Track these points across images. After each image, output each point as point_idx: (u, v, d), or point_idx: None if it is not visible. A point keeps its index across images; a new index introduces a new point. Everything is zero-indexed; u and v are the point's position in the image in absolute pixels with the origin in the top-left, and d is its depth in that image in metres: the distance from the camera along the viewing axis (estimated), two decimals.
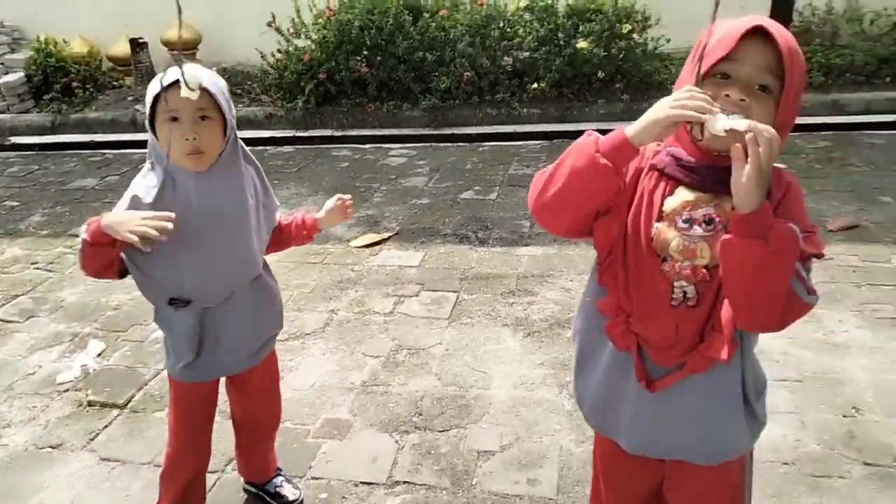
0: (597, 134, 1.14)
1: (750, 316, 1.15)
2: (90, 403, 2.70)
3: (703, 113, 1.04)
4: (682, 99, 1.05)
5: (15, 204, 5.02)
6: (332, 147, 5.99)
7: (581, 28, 5.97)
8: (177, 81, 1.47)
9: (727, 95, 1.11)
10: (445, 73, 6.20)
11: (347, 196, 1.89)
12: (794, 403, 2.44)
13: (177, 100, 1.49)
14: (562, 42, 6.03)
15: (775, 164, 1.09)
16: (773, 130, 1.02)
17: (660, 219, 1.20)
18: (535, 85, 6.12)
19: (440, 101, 6.19)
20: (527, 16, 6.21)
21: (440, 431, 2.43)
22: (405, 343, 2.99)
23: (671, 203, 1.18)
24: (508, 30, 6.28)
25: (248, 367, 1.85)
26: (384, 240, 4.04)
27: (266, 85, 6.70)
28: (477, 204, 4.52)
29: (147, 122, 1.58)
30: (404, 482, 2.22)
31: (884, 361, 2.65)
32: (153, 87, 1.52)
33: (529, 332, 3.01)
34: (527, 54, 6.16)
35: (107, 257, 1.55)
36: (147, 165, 1.63)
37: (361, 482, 2.23)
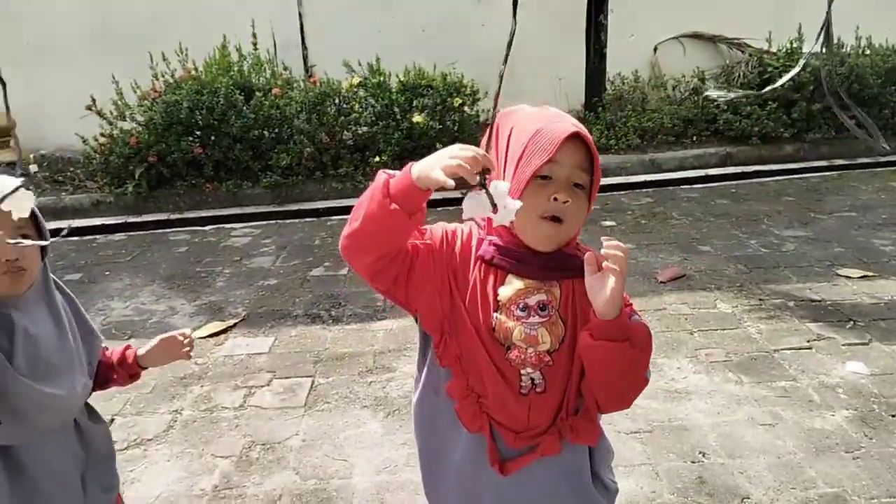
0: (389, 174, 1.14)
1: (612, 403, 1.23)
2: None
3: (476, 174, 1.04)
4: (459, 157, 1.05)
5: None
6: (169, 231, 5.69)
7: (415, 102, 6.18)
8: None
9: (555, 199, 1.16)
10: (285, 150, 6.14)
11: (187, 330, 1.60)
12: (646, 454, 2.54)
13: None
14: (398, 116, 6.22)
15: (580, 243, 1.22)
16: (622, 245, 1.11)
17: (496, 308, 1.22)
18: (377, 158, 6.22)
19: (282, 177, 6.12)
20: (361, 92, 6.35)
21: None
22: (258, 438, 2.81)
23: (505, 292, 1.21)
24: (345, 106, 6.38)
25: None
26: (230, 327, 3.84)
27: (91, 171, 6.29)
28: (328, 280, 4.44)
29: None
30: None
31: (721, 404, 2.85)
32: None
33: (390, 412, 2.94)
34: (365, 129, 6.28)
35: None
36: None
37: None
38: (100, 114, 6.07)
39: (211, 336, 3.73)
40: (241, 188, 6.12)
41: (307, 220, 5.82)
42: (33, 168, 6.54)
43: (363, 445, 2.72)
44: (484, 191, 1.06)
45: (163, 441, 2.82)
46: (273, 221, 5.81)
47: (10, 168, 6.68)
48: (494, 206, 1.05)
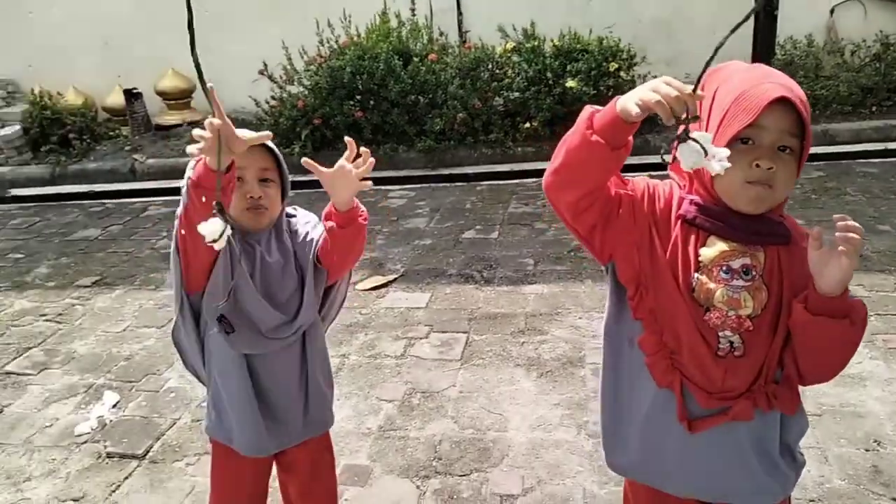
0: (594, 108, 1.12)
1: (816, 376, 1.23)
2: (109, 455, 2.68)
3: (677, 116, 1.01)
4: (661, 92, 1.00)
5: (19, 256, 5.02)
6: None
7: (569, 67, 6.11)
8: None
9: (757, 165, 1.14)
10: (439, 115, 6.30)
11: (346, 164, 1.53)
12: (815, 438, 2.46)
13: (245, 160, 1.46)
14: (551, 82, 6.17)
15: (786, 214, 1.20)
16: (858, 226, 1.10)
17: (696, 269, 1.21)
18: (528, 124, 6.23)
19: (435, 142, 6.29)
20: (515, 57, 6.36)
21: (461, 476, 2.43)
22: (419, 386, 3.00)
23: (708, 253, 1.20)
24: (498, 71, 6.43)
25: (305, 436, 1.73)
26: (390, 282, 4.07)
27: (260, 131, 6.75)
28: (480, 243, 4.57)
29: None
30: None
31: None
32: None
33: (542, 373, 3.03)
34: (517, 94, 6.29)
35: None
36: None
37: None
38: (270, 78, 6.50)
39: (373, 289, 3.98)
40: (397, 152, 6.37)
41: (458, 184, 5.97)
42: None
43: (517, 402, 2.83)
44: (687, 137, 1.00)
45: (334, 381, 3.06)
46: (427, 185, 6.01)
47: (192, 127, 7.34)
48: (706, 151, 1.00)
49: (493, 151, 6.28)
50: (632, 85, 6.29)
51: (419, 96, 6.27)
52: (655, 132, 5.95)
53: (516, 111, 6.40)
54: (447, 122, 6.28)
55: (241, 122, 7.28)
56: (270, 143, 1.53)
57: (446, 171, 6.18)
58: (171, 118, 7.48)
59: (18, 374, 3.34)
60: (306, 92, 6.42)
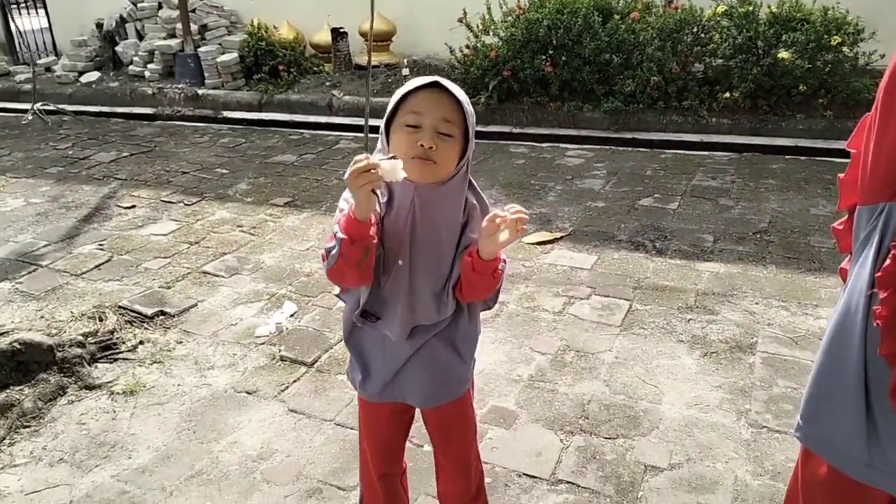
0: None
1: None
2: (282, 358, 2.95)
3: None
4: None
5: (225, 172, 5.57)
6: (510, 143, 6.07)
7: (784, 37, 5.60)
8: (426, 86, 1.38)
9: None
10: (631, 77, 6.07)
11: (513, 209, 1.40)
12: None
13: (423, 104, 1.37)
14: (761, 51, 5.72)
15: None
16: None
17: None
18: (728, 94, 5.84)
19: (623, 104, 6.08)
20: (724, 22, 5.93)
21: (606, 438, 2.41)
22: (573, 344, 2.99)
23: None
24: (703, 35, 6.06)
25: (424, 405, 1.67)
26: (557, 239, 4.04)
27: (451, 79, 6.84)
28: (656, 212, 4.40)
29: (383, 126, 1.45)
30: (567, 482, 2.22)
31: None
32: (401, 89, 1.42)
33: (707, 352, 2.89)
34: (721, 62, 5.90)
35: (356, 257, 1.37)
36: None
37: (525, 474, 2.26)
38: (468, 26, 6.57)
39: (539, 244, 3.98)
40: (581, 110, 6.23)
41: (640, 149, 5.76)
42: (405, 72, 7.39)
43: (675, 378, 2.74)
44: None
45: (489, 326, 3.13)
46: (607, 147, 5.85)
47: (389, 70, 7.62)
48: None
49: (685, 119, 5.96)
50: (854, 63, 5.66)
51: (613, 55, 6.07)
52: None
53: (716, 79, 6.02)
54: (639, 84, 6.03)
55: (433, 69, 7.50)
56: (461, 95, 1.39)
57: (629, 135, 5.98)
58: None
59: (213, 275, 3.74)
60: (500, 43, 6.44)
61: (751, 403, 2.55)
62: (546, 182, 5.04)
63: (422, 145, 1.36)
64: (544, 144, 5.98)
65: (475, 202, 1.51)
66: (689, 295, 3.36)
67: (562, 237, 4.07)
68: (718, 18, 5.96)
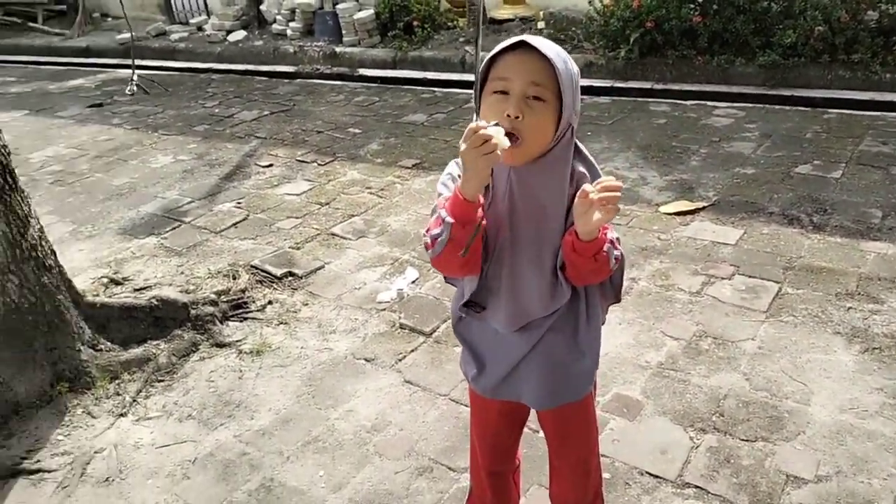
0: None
1: None
2: (401, 326, 2.93)
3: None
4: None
5: (357, 131, 5.61)
6: (650, 101, 5.68)
7: None
8: (512, 47, 1.24)
9: None
10: (792, 27, 5.46)
11: (606, 181, 1.21)
12: None
13: (510, 68, 1.24)
14: None
15: None
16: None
17: None
18: None
19: (781, 57, 5.48)
20: None
21: (743, 440, 2.18)
22: (711, 330, 2.73)
23: None
24: None
25: (540, 406, 1.54)
26: (698, 209, 3.72)
27: (590, 32, 6.52)
28: (815, 181, 3.94)
29: (475, 92, 1.36)
30: (696, 486, 2.04)
31: None
32: (490, 53, 1.29)
33: (868, 348, 2.55)
34: None
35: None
36: None
37: (648, 473, 2.10)
38: None
39: (677, 214, 3.68)
40: (732, 65, 5.69)
41: (799, 108, 5.19)
42: (541, 25, 7.09)
43: (828, 375, 2.43)
44: None
45: (616, 305, 2.92)
46: (760, 105, 5.32)
47: (524, 23, 7.34)
48: None
49: (853, 75, 5.29)
50: None
51: (772, 2, 5.49)
52: None
53: (892, 29, 5.27)
54: (801, 35, 5.41)
55: (569, 21, 7.15)
56: (552, 52, 1.22)
57: (787, 93, 5.39)
58: (505, 12, 7.58)
59: (341, 238, 3.77)
60: None
61: None
62: (689, 144, 4.66)
63: (508, 115, 1.22)
64: (689, 102, 5.54)
65: (584, 171, 1.33)
66: (849, 279, 2.97)
67: (704, 207, 3.74)
68: None
